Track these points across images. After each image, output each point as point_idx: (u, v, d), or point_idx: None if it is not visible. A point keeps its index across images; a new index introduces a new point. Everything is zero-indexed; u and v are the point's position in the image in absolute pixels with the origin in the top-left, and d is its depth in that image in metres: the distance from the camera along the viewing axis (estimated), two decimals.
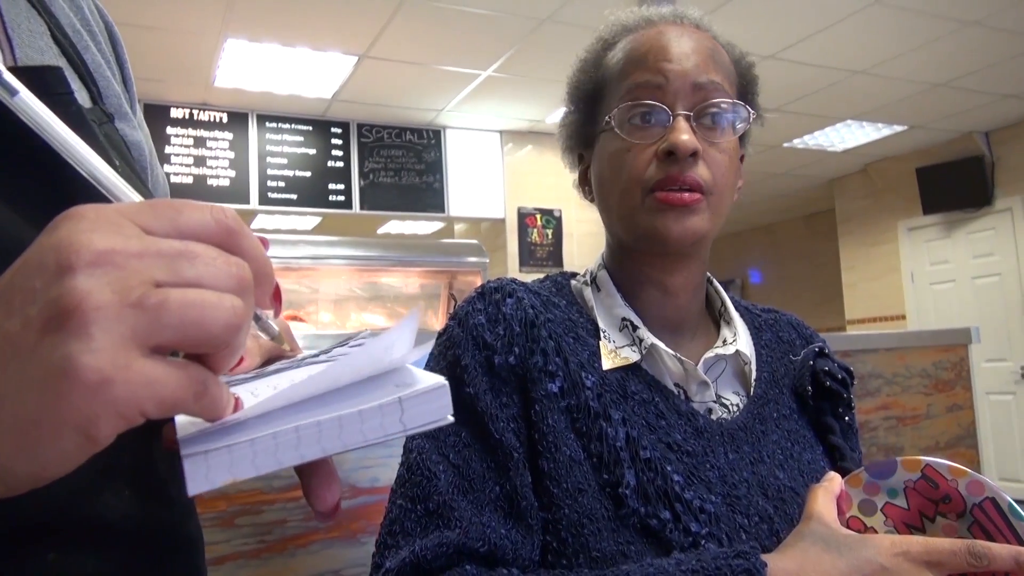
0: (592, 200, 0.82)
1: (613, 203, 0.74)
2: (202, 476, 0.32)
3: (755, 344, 0.79)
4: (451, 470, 0.64)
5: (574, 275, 0.82)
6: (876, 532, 0.61)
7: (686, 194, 0.68)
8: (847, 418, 0.78)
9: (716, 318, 0.81)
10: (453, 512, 0.62)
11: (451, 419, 0.36)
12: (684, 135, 0.68)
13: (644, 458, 0.64)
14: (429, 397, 0.35)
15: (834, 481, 0.62)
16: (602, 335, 0.72)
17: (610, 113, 0.72)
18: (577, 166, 0.83)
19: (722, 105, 0.71)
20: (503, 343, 0.68)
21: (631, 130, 0.71)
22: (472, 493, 0.63)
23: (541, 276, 0.82)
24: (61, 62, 0.54)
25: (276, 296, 0.39)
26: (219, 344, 0.31)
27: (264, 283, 0.35)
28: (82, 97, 0.54)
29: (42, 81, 0.48)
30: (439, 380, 0.35)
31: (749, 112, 0.74)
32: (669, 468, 0.64)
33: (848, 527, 0.59)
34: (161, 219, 0.32)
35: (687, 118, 0.70)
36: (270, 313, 0.42)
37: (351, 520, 0.96)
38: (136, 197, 0.37)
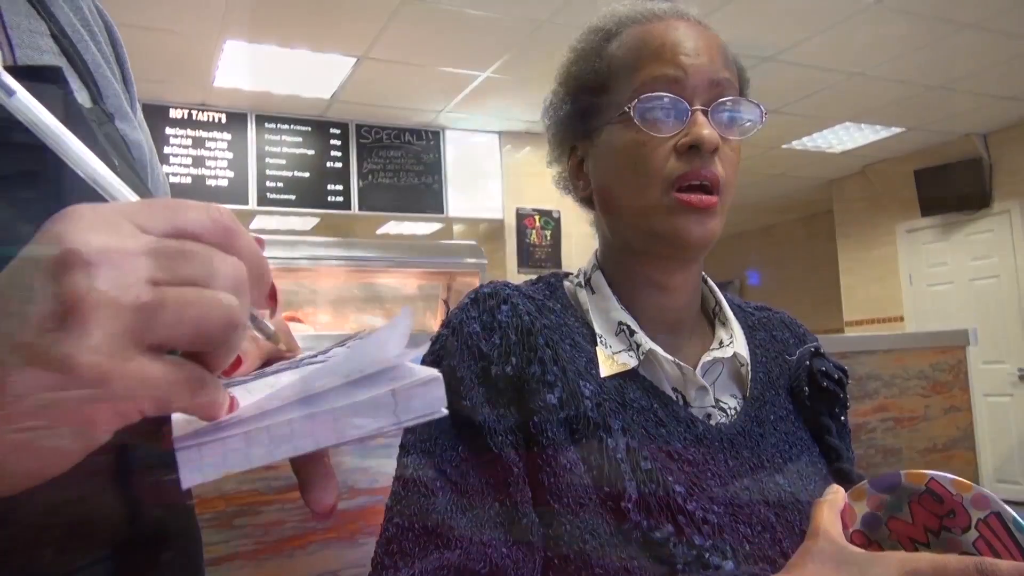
0: (580, 195, 0.80)
1: (625, 199, 0.72)
2: (195, 468, 0.32)
3: (749, 344, 0.78)
4: (449, 486, 0.62)
5: (567, 275, 0.80)
6: (881, 547, 0.60)
7: (705, 197, 0.68)
8: (842, 418, 0.78)
9: (710, 318, 0.80)
10: (452, 531, 0.60)
11: (445, 411, 0.36)
12: (706, 129, 0.67)
13: (645, 469, 0.63)
14: (422, 390, 0.35)
15: (838, 495, 0.61)
16: (599, 340, 0.71)
17: (629, 104, 0.69)
18: (566, 159, 0.80)
19: (734, 102, 0.71)
20: (499, 352, 0.66)
21: (647, 123, 0.69)
22: (471, 510, 0.61)
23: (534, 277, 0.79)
24: (61, 62, 0.54)
25: (272, 296, 0.39)
26: (216, 342, 0.31)
27: (260, 283, 0.35)
28: (82, 97, 0.54)
29: (41, 81, 0.48)
30: (433, 372, 0.36)
31: (762, 111, 0.73)
32: (670, 479, 0.63)
33: (852, 542, 0.57)
34: (158, 218, 0.32)
35: (704, 113, 0.69)
36: (266, 313, 0.42)
37: (349, 521, 0.96)
38: (133, 197, 0.37)
